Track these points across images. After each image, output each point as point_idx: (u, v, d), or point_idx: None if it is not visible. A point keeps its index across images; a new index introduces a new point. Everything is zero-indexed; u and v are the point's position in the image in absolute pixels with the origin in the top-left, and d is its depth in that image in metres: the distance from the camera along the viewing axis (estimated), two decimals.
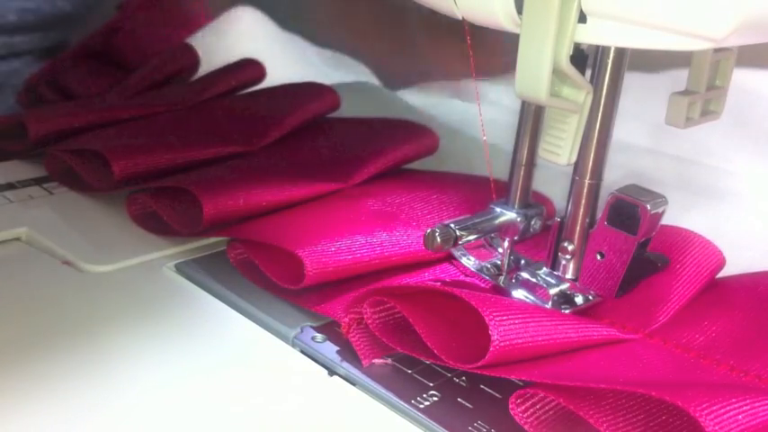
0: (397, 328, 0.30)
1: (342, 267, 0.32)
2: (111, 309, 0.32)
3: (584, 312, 0.32)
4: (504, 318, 0.27)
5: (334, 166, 0.41)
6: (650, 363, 0.29)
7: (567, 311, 0.31)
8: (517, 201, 0.34)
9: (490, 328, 0.26)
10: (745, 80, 0.46)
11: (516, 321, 0.27)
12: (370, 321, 0.29)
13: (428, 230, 0.32)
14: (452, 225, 0.32)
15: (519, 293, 0.32)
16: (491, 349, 0.26)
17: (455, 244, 0.33)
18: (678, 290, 0.32)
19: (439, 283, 0.33)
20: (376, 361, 0.30)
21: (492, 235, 0.35)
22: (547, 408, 0.26)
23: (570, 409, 0.25)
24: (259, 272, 0.33)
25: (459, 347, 0.28)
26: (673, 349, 0.30)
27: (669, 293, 0.32)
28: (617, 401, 0.26)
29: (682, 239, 0.34)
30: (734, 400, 0.23)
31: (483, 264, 0.35)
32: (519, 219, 0.34)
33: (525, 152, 0.33)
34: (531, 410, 0.26)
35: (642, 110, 0.44)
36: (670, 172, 0.47)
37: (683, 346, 0.30)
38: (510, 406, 0.26)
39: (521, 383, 0.28)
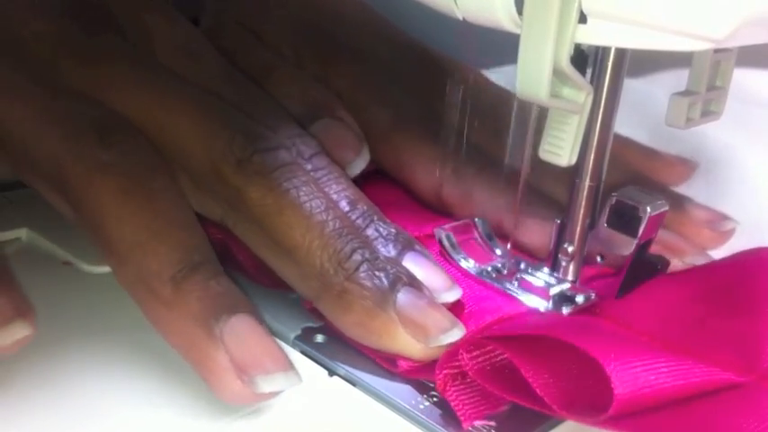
0: (498, 375, 0.27)
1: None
2: (111, 309, 0.32)
3: (586, 311, 0.32)
4: (626, 365, 0.25)
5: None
6: None
7: (567, 310, 0.31)
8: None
9: (612, 379, 0.24)
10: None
11: (637, 367, 0.25)
12: (468, 368, 0.27)
13: (437, 231, 0.32)
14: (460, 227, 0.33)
15: (520, 295, 0.32)
16: (614, 403, 0.24)
17: (456, 247, 0.33)
18: None
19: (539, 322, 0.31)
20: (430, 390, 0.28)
21: (492, 237, 0.35)
22: None
23: None
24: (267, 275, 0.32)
25: (568, 392, 0.26)
26: None
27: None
28: None
29: None
30: None
31: (483, 267, 0.34)
32: None
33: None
34: None
35: None
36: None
37: None
38: None
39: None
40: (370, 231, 0.31)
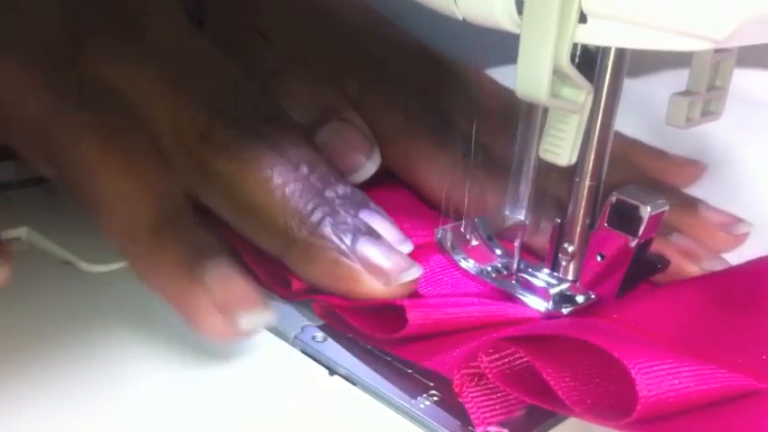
0: (517, 378, 0.27)
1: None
2: (111, 309, 0.32)
3: (587, 311, 0.31)
4: (650, 369, 0.25)
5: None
6: None
7: (567, 310, 0.31)
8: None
9: (637, 383, 0.24)
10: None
11: (662, 371, 0.25)
12: (487, 370, 0.27)
13: (437, 231, 0.32)
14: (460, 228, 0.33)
15: (520, 295, 0.32)
16: (638, 407, 0.24)
17: (456, 247, 0.33)
18: None
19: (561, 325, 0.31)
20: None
21: (492, 237, 0.35)
22: None
23: None
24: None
25: (590, 395, 0.26)
26: None
27: None
28: None
29: None
30: None
31: (483, 267, 0.35)
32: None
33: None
34: None
35: None
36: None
37: None
38: None
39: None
40: (328, 192, 0.33)
